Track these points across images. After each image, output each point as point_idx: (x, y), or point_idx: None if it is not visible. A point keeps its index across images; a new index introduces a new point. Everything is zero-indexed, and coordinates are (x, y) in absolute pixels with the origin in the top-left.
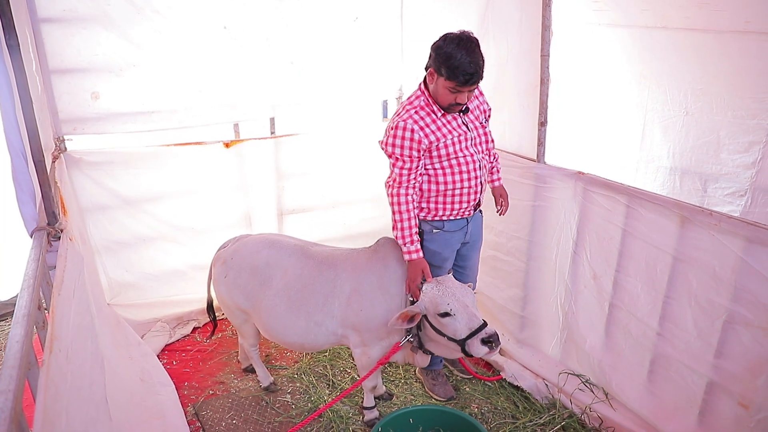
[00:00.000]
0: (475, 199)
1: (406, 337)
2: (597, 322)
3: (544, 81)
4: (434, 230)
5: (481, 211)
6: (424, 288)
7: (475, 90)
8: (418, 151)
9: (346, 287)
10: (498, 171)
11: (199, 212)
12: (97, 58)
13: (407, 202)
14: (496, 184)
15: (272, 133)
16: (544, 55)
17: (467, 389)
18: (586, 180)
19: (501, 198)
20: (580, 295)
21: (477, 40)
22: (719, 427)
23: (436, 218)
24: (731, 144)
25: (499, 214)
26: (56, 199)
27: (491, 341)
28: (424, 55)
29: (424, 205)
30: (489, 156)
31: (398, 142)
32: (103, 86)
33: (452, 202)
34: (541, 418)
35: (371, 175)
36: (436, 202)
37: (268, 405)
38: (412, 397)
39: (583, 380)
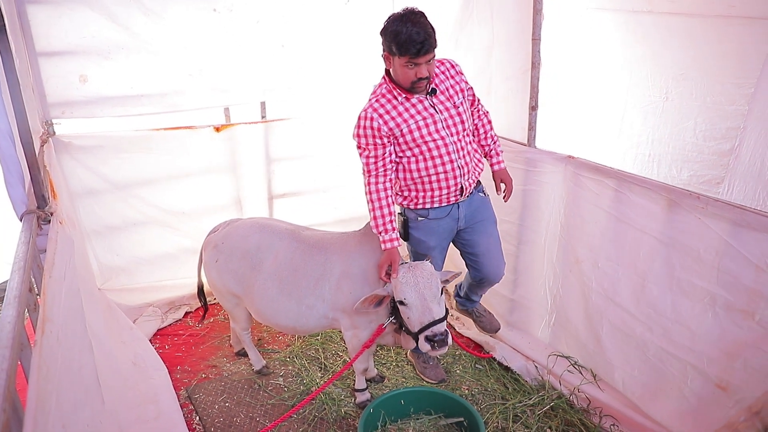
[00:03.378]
0: (456, 184)
1: (389, 319)
2: (583, 305)
3: (535, 65)
4: (419, 218)
5: (484, 192)
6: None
7: (433, 61)
8: (380, 138)
9: (336, 270)
10: (498, 154)
11: (190, 196)
12: (85, 41)
13: (377, 191)
14: (496, 168)
15: (263, 117)
16: (536, 39)
17: (458, 371)
18: (576, 164)
19: (502, 182)
20: (567, 278)
21: (422, 12)
22: (701, 408)
23: (419, 206)
24: (709, 130)
25: (504, 200)
26: (45, 182)
27: (434, 341)
28: None
29: (406, 193)
30: (485, 137)
31: (360, 131)
32: (92, 69)
33: (431, 189)
34: (530, 399)
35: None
36: (416, 190)
37: (260, 388)
38: (404, 379)
39: (572, 362)
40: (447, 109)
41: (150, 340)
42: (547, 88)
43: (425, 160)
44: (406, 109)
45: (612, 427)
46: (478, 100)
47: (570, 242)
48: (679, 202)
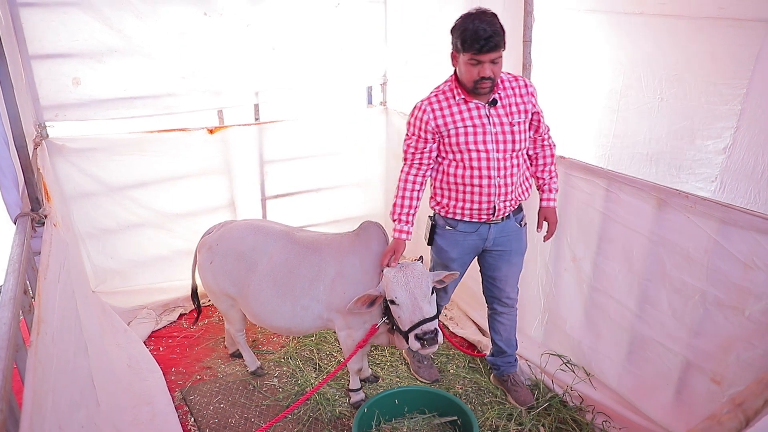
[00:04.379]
0: (489, 202)
1: (382, 319)
2: (577, 304)
3: (527, 66)
4: (447, 227)
5: (521, 223)
6: (385, 271)
7: (500, 63)
8: (425, 132)
9: (331, 271)
10: (551, 190)
11: (184, 198)
12: (78, 44)
13: (406, 181)
14: (544, 204)
15: (256, 119)
16: (527, 41)
17: (451, 370)
18: (567, 164)
19: (546, 221)
20: (560, 277)
21: (493, 13)
22: (693, 403)
23: (449, 215)
24: (704, 130)
25: (543, 240)
26: (39, 185)
27: (424, 339)
28: (408, 42)
29: (439, 198)
30: (542, 169)
31: (411, 120)
32: (85, 72)
33: (463, 200)
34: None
35: (355, 161)
36: (449, 198)
37: (255, 389)
38: (398, 379)
39: (565, 361)
40: (502, 124)
41: (144, 342)
42: (539, 89)
43: (464, 168)
44: (460, 111)
45: (604, 423)
46: (547, 129)
47: (565, 241)
48: (668, 201)
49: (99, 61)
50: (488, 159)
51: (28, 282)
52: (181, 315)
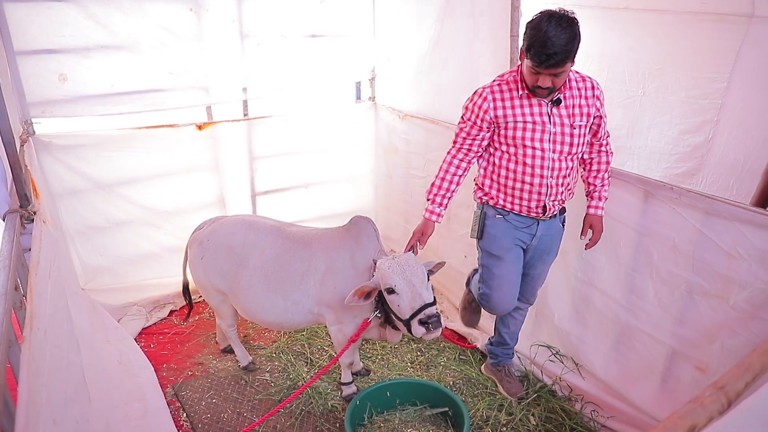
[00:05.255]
0: (538, 201)
1: (374, 313)
2: (565, 296)
3: (514, 61)
4: (497, 215)
5: (562, 223)
6: (379, 263)
7: (564, 75)
8: (481, 119)
9: (321, 266)
10: (601, 198)
11: (173, 195)
12: (64, 39)
13: (451, 163)
14: (591, 211)
15: (245, 115)
16: (514, 36)
17: (442, 362)
18: None
19: (591, 228)
20: (550, 269)
21: (573, 19)
22: (679, 390)
23: (498, 206)
24: (684, 124)
25: (585, 248)
26: (27, 181)
27: (428, 323)
28: (396, 37)
29: (487, 189)
30: (595, 175)
31: (469, 105)
32: (71, 68)
33: (512, 195)
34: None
35: (344, 156)
36: (497, 190)
37: (247, 384)
38: (389, 372)
39: (554, 352)
40: (563, 125)
41: (135, 339)
42: None
43: (517, 163)
44: (522, 105)
45: (592, 412)
46: (607, 134)
47: None
48: (654, 193)
49: (85, 56)
50: (543, 158)
51: (18, 278)
52: (171, 311)
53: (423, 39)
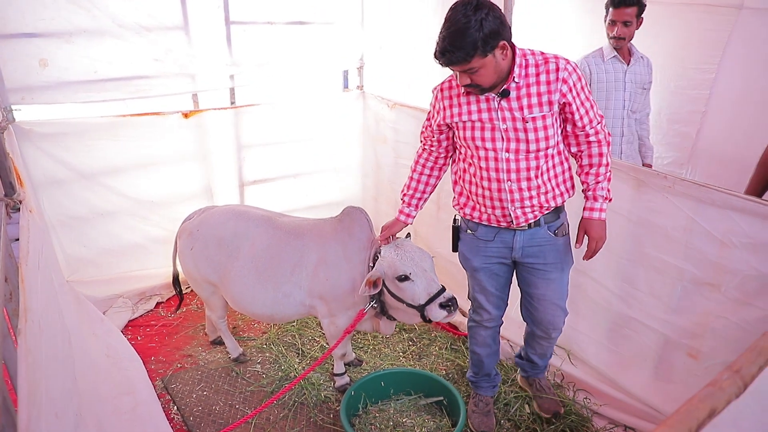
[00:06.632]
0: (502, 209)
1: (369, 304)
2: None
3: None
4: (468, 231)
5: (557, 233)
6: (383, 251)
7: (484, 70)
8: (435, 120)
9: (313, 257)
10: (595, 198)
11: (159, 185)
12: (44, 23)
13: (416, 163)
14: (585, 214)
15: (232, 103)
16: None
17: (434, 352)
18: None
19: (585, 235)
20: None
21: (481, 4)
22: (671, 377)
23: (467, 216)
24: (673, 114)
25: (583, 257)
26: (11, 169)
27: (449, 305)
28: (385, 26)
29: (457, 196)
30: (586, 172)
31: (431, 101)
32: (52, 53)
33: (477, 203)
34: (507, 377)
35: (333, 145)
36: (467, 197)
37: (238, 375)
38: (381, 362)
39: None
40: (513, 119)
41: (121, 332)
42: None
43: (474, 166)
44: (468, 102)
45: (585, 400)
46: (596, 120)
47: None
48: (647, 181)
49: (67, 41)
50: (496, 159)
51: (6, 268)
52: (158, 303)
53: (416, 27)
